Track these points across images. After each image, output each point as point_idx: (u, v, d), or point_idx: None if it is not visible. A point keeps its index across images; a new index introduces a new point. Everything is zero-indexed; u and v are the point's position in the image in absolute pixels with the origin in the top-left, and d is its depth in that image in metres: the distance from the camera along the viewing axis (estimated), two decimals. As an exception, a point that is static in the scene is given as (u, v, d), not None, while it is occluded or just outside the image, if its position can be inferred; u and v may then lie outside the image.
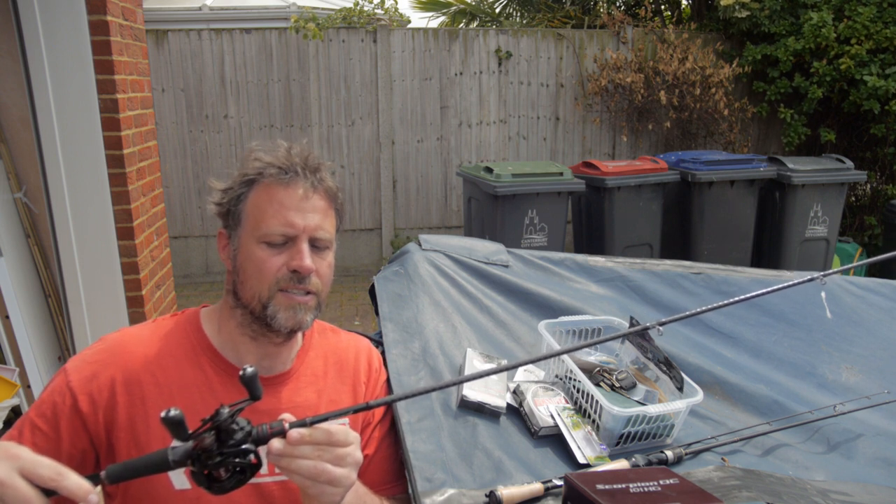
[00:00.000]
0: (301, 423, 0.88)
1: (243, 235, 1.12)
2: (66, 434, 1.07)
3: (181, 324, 1.19)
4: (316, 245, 1.12)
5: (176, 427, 0.82)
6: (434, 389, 0.98)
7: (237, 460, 0.85)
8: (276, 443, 0.88)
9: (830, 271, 1.50)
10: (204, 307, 1.23)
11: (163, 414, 0.80)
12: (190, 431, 0.83)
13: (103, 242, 3.12)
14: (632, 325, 1.57)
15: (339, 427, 0.92)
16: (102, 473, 0.84)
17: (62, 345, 3.49)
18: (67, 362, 1.13)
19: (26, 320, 3.24)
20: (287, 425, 0.88)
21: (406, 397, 0.95)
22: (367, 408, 0.92)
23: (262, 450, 0.89)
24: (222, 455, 0.84)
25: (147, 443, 1.08)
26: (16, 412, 3.23)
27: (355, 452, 0.94)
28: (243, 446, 0.85)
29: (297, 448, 0.88)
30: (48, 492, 0.80)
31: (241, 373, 0.86)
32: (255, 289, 1.10)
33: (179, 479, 1.08)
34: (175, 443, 0.85)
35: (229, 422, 0.85)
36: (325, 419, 0.89)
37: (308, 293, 1.11)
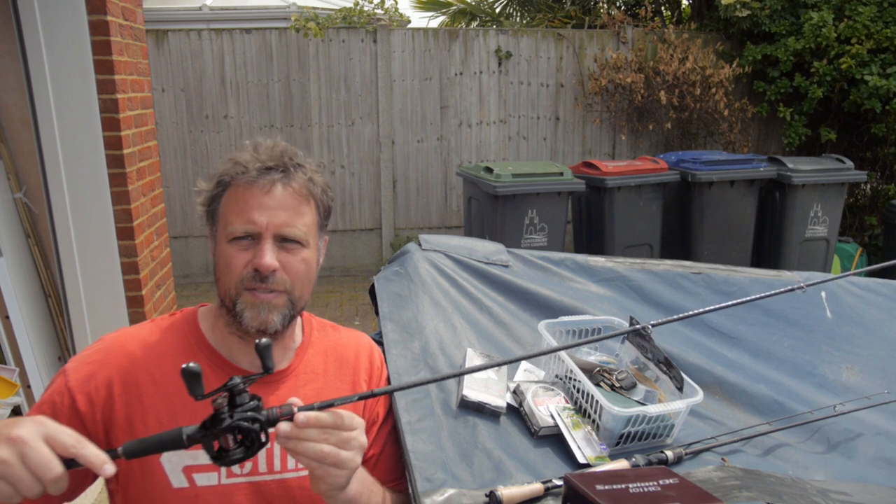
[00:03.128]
0: (309, 408, 0.92)
1: (218, 235, 1.14)
2: None
3: (179, 323, 1.20)
4: (285, 242, 1.11)
5: (192, 379, 0.85)
6: (436, 380, 0.98)
7: (246, 425, 0.87)
8: (284, 425, 0.90)
9: (814, 281, 1.50)
10: (202, 306, 1.24)
11: (183, 365, 0.84)
12: (205, 392, 0.87)
13: (103, 242, 3.12)
14: (632, 325, 1.57)
15: (346, 412, 0.94)
16: (119, 449, 0.87)
17: (62, 345, 3.49)
18: (67, 363, 1.14)
19: (26, 320, 3.24)
20: (296, 409, 0.91)
21: (408, 387, 0.97)
22: (372, 395, 0.96)
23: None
24: (233, 419, 0.87)
25: None
26: (16, 412, 3.23)
27: (360, 437, 0.96)
28: (251, 413, 0.88)
29: (305, 431, 0.90)
30: (67, 464, 0.83)
31: (256, 342, 0.90)
32: (226, 286, 1.11)
33: (178, 477, 1.09)
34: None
35: (242, 388, 0.88)
36: (332, 405, 0.92)
37: (274, 292, 1.11)
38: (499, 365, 1.00)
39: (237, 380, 0.88)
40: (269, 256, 1.09)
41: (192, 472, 1.09)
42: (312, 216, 1.16)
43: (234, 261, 1.10)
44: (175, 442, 0.87)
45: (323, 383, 1.23)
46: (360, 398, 0.95)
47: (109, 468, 0.82)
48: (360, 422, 0.96)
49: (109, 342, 1.16)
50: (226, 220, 1.11)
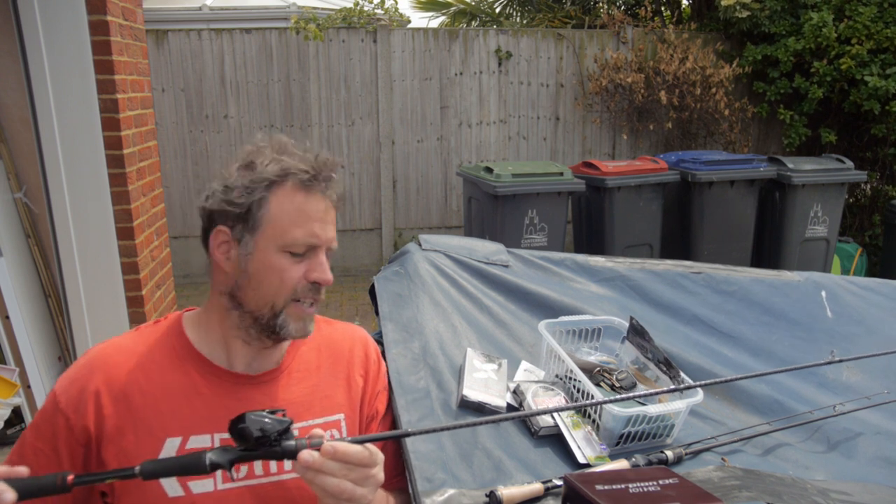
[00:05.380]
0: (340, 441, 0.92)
1: (261, 241, 1.08)
2: (65, 452, 1.08)
3: (163, 330, 1.18)
4: (327, 255, 1.13)
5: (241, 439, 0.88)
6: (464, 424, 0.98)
7: (272, 453, 0.90)
8: (305, 454, 0.89)
9: (845, 358, 1.51)
10: (188, 311, 1.22)
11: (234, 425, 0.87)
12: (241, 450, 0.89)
13: (103, 242, 3.12)
14: (632, 325, 1.57)
15: (372, 447, 0.93)
16: (137, 468, 0.86)
17: (62, 345, 3.49)
18: (56, 383, 1.12)
19: (26, 320, 3.24)
20: (325, 440, 0.90)
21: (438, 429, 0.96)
22: (407, 435, 0.97)
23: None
24: (259, 450, 0.89)
25: (136, 452, 1.07)
26: (16, 412, 3.23)
27: (379, 474, 0.95)
28: (278, 448, 0.89)
29: (326, 464, 0.89)
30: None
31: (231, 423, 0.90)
32: (270, 297, 1.09)
33: (172, 486, 1.08)
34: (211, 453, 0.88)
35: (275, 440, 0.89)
36: (363, 441, 0.92)
37: (315, 303, 1.12)
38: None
39: (272, 436, 0.88)
40: (329, 272, 1.11)
41: (187, 480, 1.08)
42: None
43: (288, 273, 1.08)
44: (196, 467, 0.87)
45: (317, 379, 1.22)
46: (393, 437, 0.96)
47: (8, 496, 0.80)
48: (381, 458, 0.96)
49: (93, 356, 1.14)
50: (282, 229, 1.07)
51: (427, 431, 0.99)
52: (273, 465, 1.14)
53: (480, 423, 1.04)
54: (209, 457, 0.87)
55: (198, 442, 1.09)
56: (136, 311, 3.27)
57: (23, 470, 0.85)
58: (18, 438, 1.12)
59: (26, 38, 2.85)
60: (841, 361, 1.47)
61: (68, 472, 0.85)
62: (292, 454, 0.89)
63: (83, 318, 3.12)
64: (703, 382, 1.32)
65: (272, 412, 0.89)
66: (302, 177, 1.08)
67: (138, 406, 1.09)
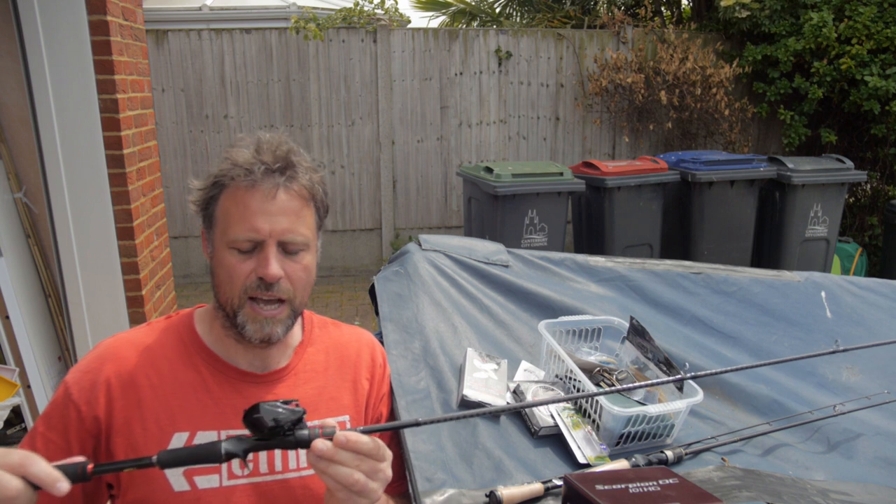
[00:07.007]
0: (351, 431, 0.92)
1: (216, 239, 1.11)
2: (76, 443, 1.08)
3: (174, 325, 1.19)
4: (287, 249, 1.09)
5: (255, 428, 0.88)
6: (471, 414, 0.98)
7: (285, 443, 0.90)
8: (319, 444, 0.88)
9: (851, 347, 1.51)
10: (199, 307, 1.23)
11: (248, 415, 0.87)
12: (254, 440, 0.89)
13: (103, 242, 3.12)
14: (632, 325, 1.57)
15: (379, 442, 0.93)
16: (154, 458, 0.87)
17: (62, 345, 3.49)
18: (68, 374, 1.13)
19: (26, 320, 3.24)
20: (338, 431, 0.90)
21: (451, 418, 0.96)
22: (417, 424, 0.96)
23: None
24: (273, 440, 0.90)
25: (144, 445, 1.08)
26: (16, 412, 3.23)
27: (387, 469, 0.95)
28: (291, 437, 0.90)
29: (340, 453, 0.89)
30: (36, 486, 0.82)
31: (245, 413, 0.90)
32: (228, 294, 1.09)
33: (178, 481, 1.09)
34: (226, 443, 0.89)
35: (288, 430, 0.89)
36: (372, 432, 0.92)
37: (278, 301, 1.09)
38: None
39: (285, 426, 0.89)
40: (275, 266, 1.06)
41: (192, 475, 1.09)
42: (312, 218, 1.13)
43: (236, 270, 1.07)
44: (212, 456, 0.88)
45: (323, 381, 1.22)
46: (404, 426, 0.95)
47: (63, 486, 0.80)
48: (389, 454, 0.95)
49: (104, 348, 1.15)
50: (225, 225, 1.08)
51: (437, 420, 1.00)
52: (278, 463, 1.14)
53: (488, 413, 1.04)
54: (224, 446, 0.88)
55: (204, 438, 1.10)
56: (136, 311, 3.27)
57: (39, 460, 0.84)
58: (30, 429, 1.12)
59: (26, 38, 2.85)
60: (845, 351, 1.47)
61: (88, 462, 0.85)
62: (306, 443, 0.89)
63: (83, 318, 3.12)
64: (691, 374, 1.32)
65: (286, 402, 0.89)
66: (239, 171, 1.08)
67: (147, 399, 1.10)
